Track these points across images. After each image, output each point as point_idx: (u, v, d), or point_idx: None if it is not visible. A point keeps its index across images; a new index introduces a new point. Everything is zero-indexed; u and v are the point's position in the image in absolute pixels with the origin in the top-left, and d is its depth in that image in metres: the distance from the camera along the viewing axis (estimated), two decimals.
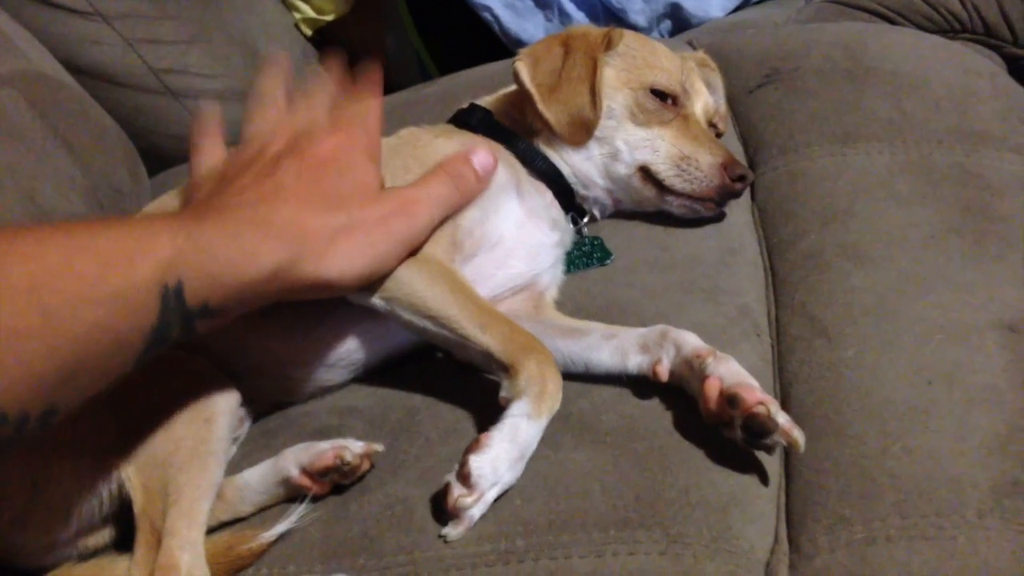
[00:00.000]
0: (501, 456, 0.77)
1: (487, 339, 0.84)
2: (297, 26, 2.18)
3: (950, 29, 1.64)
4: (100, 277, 0.61)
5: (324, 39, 2.20)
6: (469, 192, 0.92)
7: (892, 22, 1.67)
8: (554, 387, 0.82)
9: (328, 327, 0.93)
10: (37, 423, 0.60)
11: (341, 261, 0.77)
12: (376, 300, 0.87)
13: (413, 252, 0.86)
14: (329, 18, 2.14)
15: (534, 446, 0.80)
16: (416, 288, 0.86)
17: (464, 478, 0.75)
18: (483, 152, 0.93)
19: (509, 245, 1.00)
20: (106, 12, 1.71)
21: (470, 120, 1.11)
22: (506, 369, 0.82)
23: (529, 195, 1.04)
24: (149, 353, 0.67)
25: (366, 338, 0.95)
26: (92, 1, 1.70)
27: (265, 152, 0.81)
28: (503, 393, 0.82)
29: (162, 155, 1.75)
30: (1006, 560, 0.69)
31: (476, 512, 0.76)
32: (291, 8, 2.18)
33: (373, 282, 0.84)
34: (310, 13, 2.16)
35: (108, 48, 1.71)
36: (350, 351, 0.95)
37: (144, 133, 1.74)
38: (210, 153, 0.86)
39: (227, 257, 0.70)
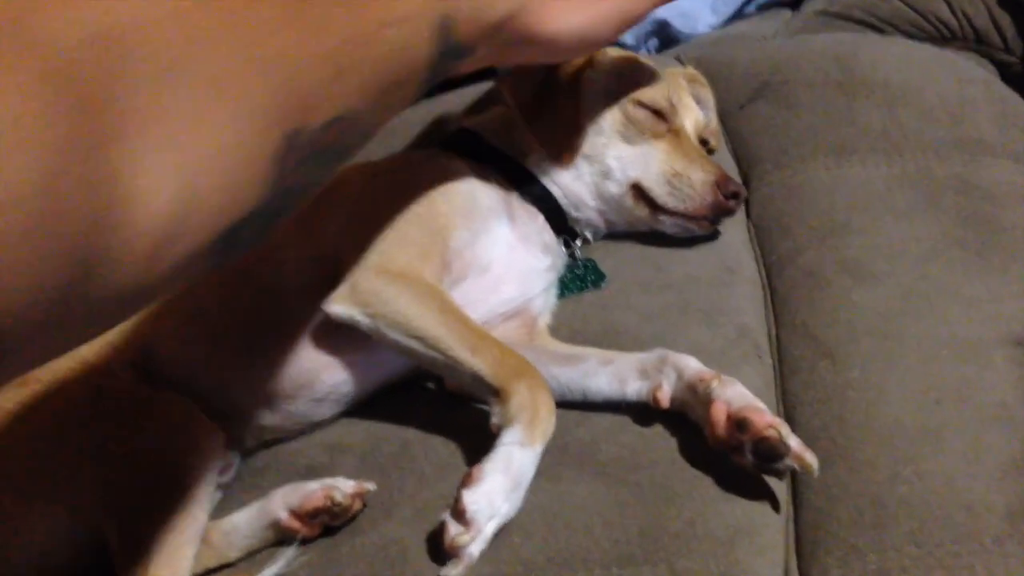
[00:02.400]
0: (496, 488, 0.74)
1: (477, 362, 0.81)
2: None
3: (940, 37, 1.62)
4: (388, 4, 0.60)
5: None
6: None
7: (881, 32, 1.65)
8: (547, 411, 0.79)
9: (314, 359, 0.91)
10: (362, 137, 0.61)
11: (559, 18, 0.78)
12: (360, 317, 0.85)
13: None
14: None
15: (530, 474, 0.77)
16: (402, 306, 0.84)
17: (459, 515, 0.72)
18: None
19: (499, 270, 0.97)
20: None
21: (460, 144, 1.08)
22: (496, 394, 0.80)
23: (521, 219, 1.02)
24: (424, 87, 0.67)
25: (353, 369, 0.92)
26: None
27: None
28: (494, 420, 0.79)
29: None
30: None
31: (475, 549, 0.73)
32: None
33: (588, 44, 0.84)
34: None
35: None
36: (337, 384, 0.92)
37: None
38: None
39: None
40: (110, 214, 0.40)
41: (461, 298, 0.91)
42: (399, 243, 0.90)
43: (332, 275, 0.89)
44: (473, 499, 0.73)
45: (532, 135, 1.03)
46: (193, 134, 0.44)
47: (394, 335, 0.84)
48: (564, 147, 1.04)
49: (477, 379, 0.81)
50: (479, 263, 0.95)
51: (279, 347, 0.89)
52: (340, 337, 0.89)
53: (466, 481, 0.74)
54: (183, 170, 0.43)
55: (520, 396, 0.78)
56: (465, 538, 0.72)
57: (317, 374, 0.91)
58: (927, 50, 1.38)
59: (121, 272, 0.41)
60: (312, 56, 0.53)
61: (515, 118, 1.04)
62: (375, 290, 0.85)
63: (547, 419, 0.79)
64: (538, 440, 0.77)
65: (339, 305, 0.86)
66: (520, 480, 0.76)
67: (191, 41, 0.44)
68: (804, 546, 0.74)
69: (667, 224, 1.05)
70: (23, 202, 0.34)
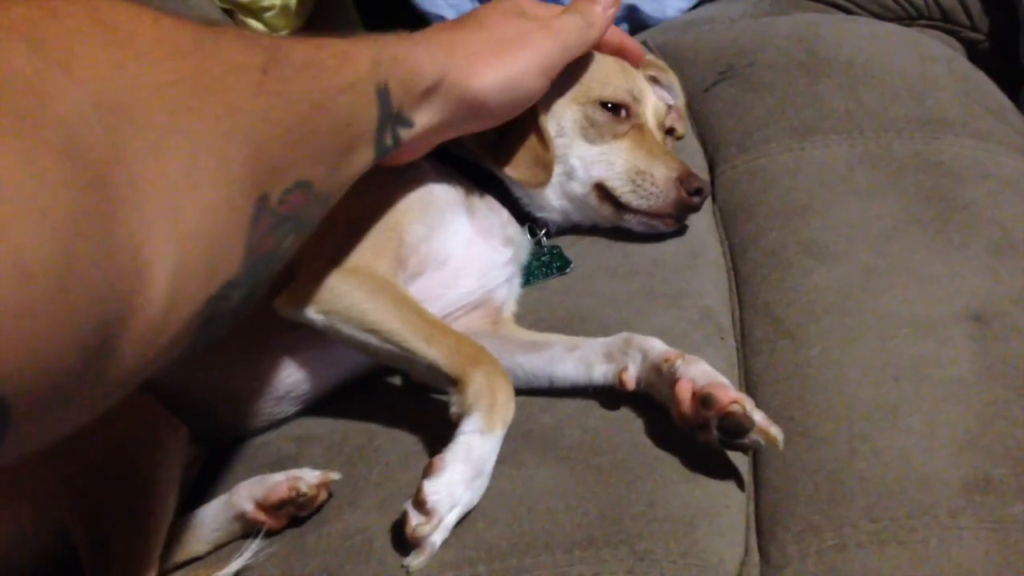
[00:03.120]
0: (456, 478, 0.74)
1: (433, 352, 0.81)
2: None
3: (906, 16, 1.62)
4: (339, 69, 0.65)
5: None
6: (600, 29, 0.98)
7: (848, 12, 1.66)
8: (504, 397, 0.79)
9: (272, 359, 0.91)
10: (323, 205, 0.65)
11: (483, 75, 0.83)
12: (314, 314, 0.84)
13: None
14: (283, 34, 2.11)
15: (491, 461, 0.77)
16: (356, 300, 0.84)
17: (420, 505, 0.73)
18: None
19: (457, 264, 0.97)
20: None
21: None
22: (454, 383, 0.80)
23: (480, 212, 1.01)
24: (376, 159, 0.72)
25: (311, 368, 0.92)
26: None
27: None
28: (453, 409, 0.80)
29: None
30: (979, 560, 0.66)
31: (437, 538, 0.73)
32: (242, 27, 2.15)
33: (517, 99, 0.89)
34: (263, 30, 2.13)
35: None
36: (297, 383, 0.92)
37: None
38: None
39: (408, 66, 0.75)
40: (123, 284, 0.40)
41: (419, 292, 0.92)
42: (352, 239, 0.90)
43: (286, 274, 0.88)
44: (434, 489, 0.73)
45: (504, 170, 1.01)
46: (185, 201, 0.45)
47: (349, 331, 0.84)
48: (538, 172, 1.01)
49: (434, 369, 0.81)
50: (436, 257, 0.95)
51: (235, 347, 0.89)
52: (297, 336, 0.89)
53: (427, 471, 0.74)
54: (177, 238, 0.44)
55: (477, 384, 0.78)
56: (426, 528, 0.72)
57: (275, 373, 0.91)
58: (891, 29, 1.39)
59: (131, 345, 0.42)
60: (278, 124, 0.55)
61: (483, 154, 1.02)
62: (328, 286, 0.85)
63: (505, 405, 0.79)
64: (498, 426, 0.78)
65: (292, 305, 0.86)
66: (481, 468, 0.76)
67: (176, 112, 0.45)
68: (764, 525, 0.74)
69: (632, 222, 1.05)
70: (42, 274, 0.34)
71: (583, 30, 0.95)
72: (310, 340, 0.87)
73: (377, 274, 0.87)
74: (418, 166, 0.99)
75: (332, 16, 2.01)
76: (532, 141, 1.00)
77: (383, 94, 0.70)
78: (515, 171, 1.01)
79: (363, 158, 0.70)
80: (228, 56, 0.52)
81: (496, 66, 0.85)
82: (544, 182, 1.03)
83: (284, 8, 2.06)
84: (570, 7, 0.97)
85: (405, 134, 0.77)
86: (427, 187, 0.97)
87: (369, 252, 0.89)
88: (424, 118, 0.79)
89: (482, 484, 0.76)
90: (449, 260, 0.96)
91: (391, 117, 0.73)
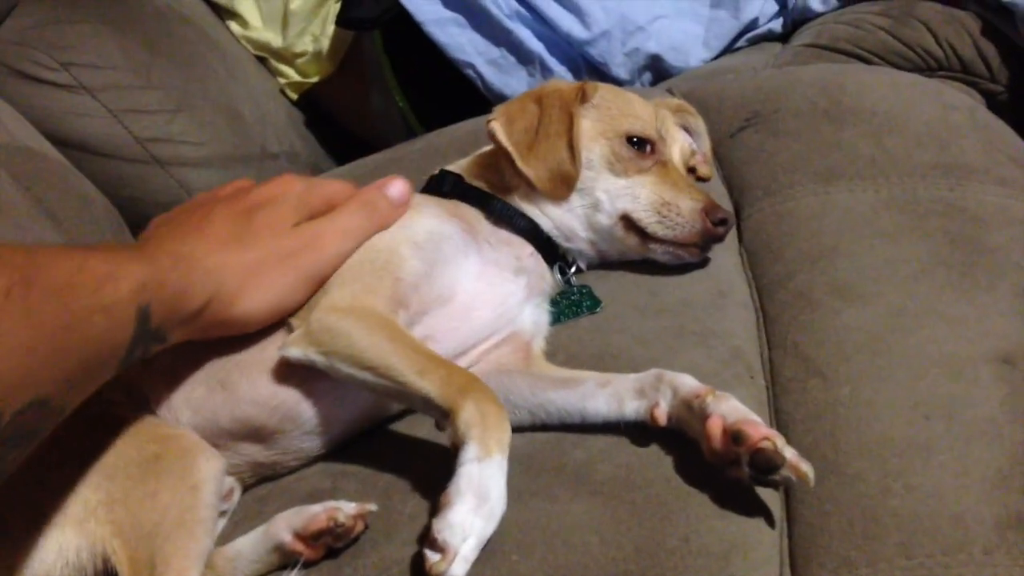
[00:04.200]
0: (463, 510, 0.74)
1: (425, 384, 0.82)
2: (282, 91, 2.20)
3: (927, 67, 1.65)
4: (97, 291, 0.67)
5: (310, 102, 2.22)
6: (383, 220, 0.97)
7: (868, 63, 1.69)
8: (495, 420, 0.79)
9: (292, 394, 0.91)
10: (58, 417, 0.65)
11: (251, 297, 0.86)
12: (315, 355, 0.87)
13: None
14: (314, 80, 2.16)
15: (498, 486, 0.77)
16: (354, 339, 0.85)
17: (432, 544, 0.73)
18: (397, 181, 0.98)
19: (466, 298, 0.98)
20: (90, 85, 1.73)
21: (442, 187, 1.11)
22: (446, 415, 0.80)
23: (489, 245, 1.03)
24: (119, 369, 0.73)
25: (332, 403, 0.93)
26: (75, 74, 1.71)
27: (213, 196, 0.93)
28: (449, 441, 0.80)
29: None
30: None
31: (458, 569, 0.73)
32: (275, 73, 2.20)
33: (282, 312, 0.90)
34: (295, 77, 2.18)
35: (93, 120, 1.72)
36: (323, 417, 0.93)
37: (131, 203, 1.74)
38: None
39: (175, 288, 0.78)
40: None
41: (429, 329, 0.94)
42: (348, 280, 0.92)
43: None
44: (440, 526, 0.73)
45: (526, 172, 1.05)
46: None
47: (348, 369, 0.86)
48: (558, 183, 1.06)
49: (427, 402, 0.82)
50: (440, 293, 0.96)
51: (259, 384, 0.91)
52: (308, 374, 0.90)
53: (437, 509, 0.75)
54: None
55: (467, 412, 0.79)
56: (443, 565, 0.72)
57: (295, 408, 0.92)
58: (913, 79, 1.41)
59: None
60: (17, 346, 0.57)
61: (507, 155, 1.06)
62: (327, 327, 0.87)
63: (498, 427, 0.79)
64: (495, 450, 0.77)
65: (295, 348, 0.88)
66: (486, 494, 0.76)
67: None
68: (798, 560, 0.75)
69: (658, 252, 1.08)
70: None
71: (363, 228, 0.95)
72: (328, 381, 0.89)
73: (375, 312, 0.88)
74: (419, 203, 1.02)
75: (364, 61, 2.05)
76: (562, 153, 1.04)
77: (143, 315, 0.72)
78: (537, 179, 1.05)
79: (108, 372, 0.72)
80: None
81: (262, 291, 0.87)
82: (563, 197, 1.07)
83: (316, 55, 2.11)
84: (357, 200, 0.97)
85: (156, 348, 0.78)
86: (426, 223, 0.99)
87: (365, 292, 0.90)
88: (180, 334, 0.82)
89: (493, 509, 0.76)
90: (456, 295, 0.98)
91: (148, 335, 0.74)
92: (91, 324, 0.65)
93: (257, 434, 0.92)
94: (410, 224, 0.99)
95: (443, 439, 0.91)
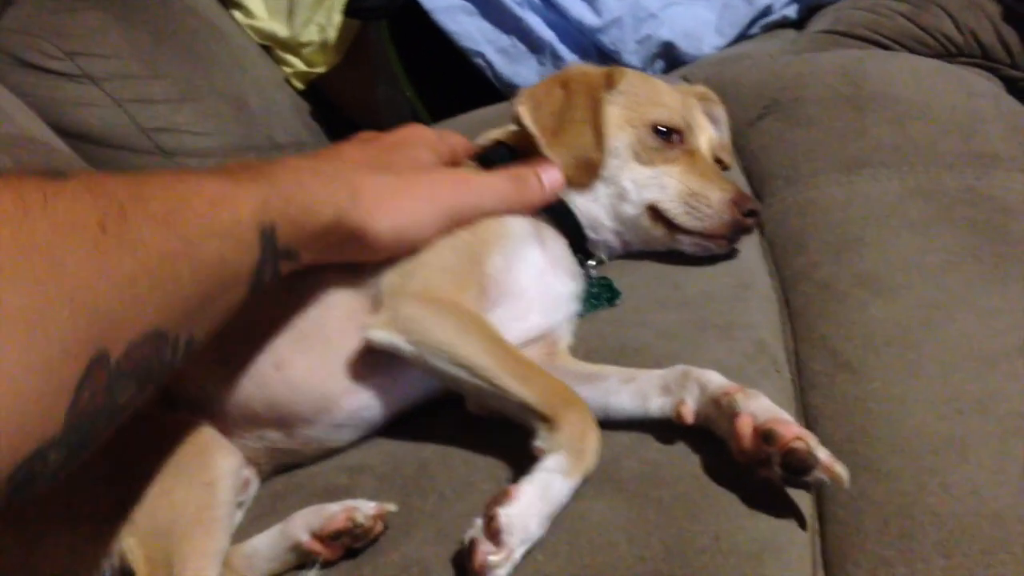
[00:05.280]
0: (531, 511, 0.72)
1: (525, 391, 0.80)
2: (288, 80, 2.18)
3: (947, 53, 1.63)
4: (213, 215, 0.65)
5: (315, 92, 2.20)
6: (530, 198, 0.97)
7: (887, 49, 1.67)
8: (593, 447, 0.78)
9: (334, 384, 0.90)
10: (184, 350, 0.63)
11: (384, 216, 0.83)
12: (403, 344, 0.85)
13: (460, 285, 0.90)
14: (320, 70, 2.14)
15: (563, 506, 0.75)
16: (446, 334, 0.84)
17: (493, 533, 0.70)
18: (554, 169, 0.98)
19: (530, 296, 0.96)
20: (95, 74, 1.71)
21: (496, 158, 1.08)
22: (546, 420, 0.78)
23: (550, 243, 1.02)
24: (252, 292, 0.71)
25: (374, 396, 0.91)
26: (81, 64, 1.70)
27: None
28: (539, 443, 0.78)
29: None
30: None
31: (503, 572, 0.70)
32: (281, 63, 2.18)
33: (407, 243, 0.88)
34: (301, 67, 2.16)
35: (98, 110, 1.71)
36: (358, 409, 0.91)
37: None
38: None
39: (302, 204, 0.75)
40: None
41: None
42: (437, 269, 0.90)
43: (370, 301, 0.90)
44: (508, 518, 0.70)
45: (551, 157, 1.03)
46: None
47: (437, 363, 0.84)
48: (583, 170, 1.04)
49: (525, 407, 0.80)
50: (514, 289, 0.95)
51: (299, 370, 0.89)
52: (363, 363, 0.88)
53: (501, 499, 0.72)
54: None
55: (572, 427, 0.77)
56: (496, 559, 0.69)
57: (337, 399, 0.90)
58: (935, 64, 1.39)
59: None
60: (119, 279, 0.55)
61: (532, 139, 1.04)
62: (417, 317, 0.85)
63: (592, 455, 0.77)
64: (579, 473, 0.76)
65: (381, 331, 0.86)
66: (554, 509, 0.74)
67: None
68: (831, 559, 0.73)
69: (685, 243, 1.06)
70: None
71: (508, 195, 0.95)
72: (377, 368, 0.87)
73: (464, 306, 0.87)
74: None
75: (370, 51, 2.03)
76: (587, 139, 1.02)
77: (267, 235, 0.70)
78: (562, 165, 1.02)
79: (235, 296, 0.70)
80: (61, 216, 0.52)
81: (394, 212, 0.85)
82: (587, 184, 1.05)
83: (322, 45, 2.09)
84: (510, 171, 0.98)
85: (288, 267, 0.76)
86: (504, 217, 0.97)
87: (453, 283, 0.89)
88: (312, 253, 0.79)
89: (547, 527, 0.74)
90: (524, 292, 0.96)
91: (276, 254, 0.73)
92: (205, 250, 0.63)
93: (286, 421, 0.90)
94: (488, 215, 0.97)
95: (463, 435, 0.89)
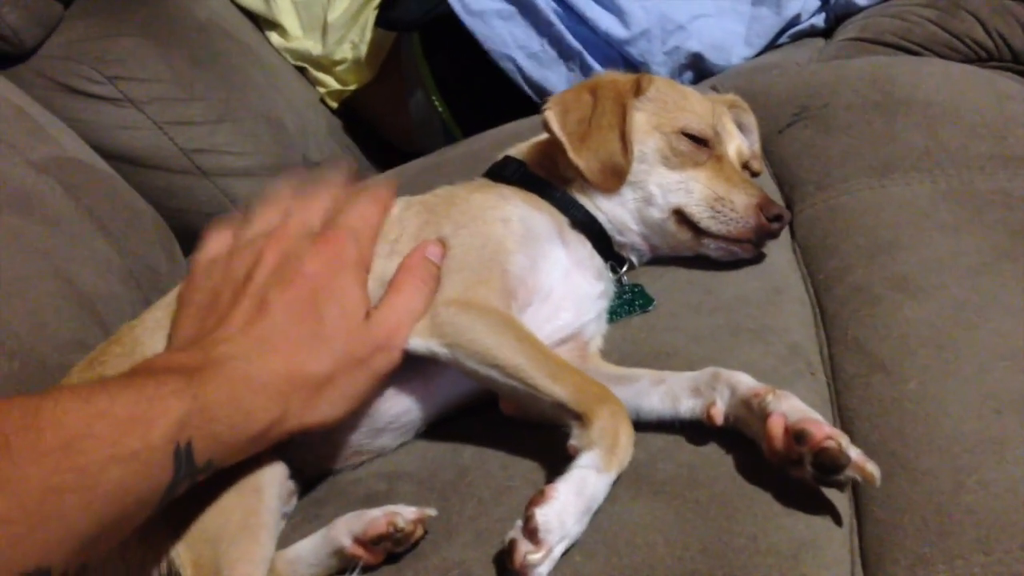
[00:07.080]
0: (568, 508, 0.73)
1: (558, 389, 0.82)
2: (322, 100, 2.21)
3: (977, 58, 1.62)
4: (118, 441, 0.64)
5: (349, 111, 2.23)
6: (436, 285, 0.93)
7: (915, 55, 1.66)
8: (626, 441, 0.79)
9: (375, 389, 0.91)
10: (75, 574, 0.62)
11: (324, 408, 0.83)
12: (438, 347, 0.87)
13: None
14: (353, 88, 2.17)
15: (600, 502, 0.77)
16: (480, 335, 0.86)
17: (531, 533, 0.71)
18: (432, 244, 0.95)
19: (558, 296, 0.98)
20: (136, 98, 1.75)
21: (504, 172, 1.10)
22: (579, 418, 0.80)
23: (573, 244, 1.03)
24: (160, 505, 0.70)
25: (414, 400, 0.93)
26: (122, 88, 1.74)
27: (253, 277, 0.86)
28: (573, 442, 0.79)
29: (196, 234, 1.75)
30: None
31: (544, 570, 0.72)
32: (316, 83, 2.22)
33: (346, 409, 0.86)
34: (334, 85, 2.19)
35: (139, 132, 1.75)
36: (398, 414, 0.93)
37: (177, 213, 1.76)
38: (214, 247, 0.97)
39: (228, 419, 0.74)
40: None
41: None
42: (465, 274, 0.92)
43: None
44: (545, 517, 0.72)
45: (577, 162, 1.05)
46: None
47: (472, 364, 0.86)
48: (609, 175, 1.05)
49: (559, 406, 0.82)
50: (541, 289, 0.97)
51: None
52: (402, 367, 0.90)
53: (537, 499, 0.73)
54: None
55: (604, 422, 0.78)
56: (536, 556, 0.71)
57: (378, 404, 0.92)
58: (965, 69, 1.39)
59: None
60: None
61: (560, 145, 1.06)
62: (450, 320, 0.87)
63: (626, 448, 0.79)
64: (614, 468, 0.77)
65: (417, 339, 0.88)
66: (591, 505, 0.75)
67: None
68: (870, 558, 0.73)
69: (711, 248, 1.07)
70: None
71: (428, 301, 0.91)
72: (415, 372, 0.88)
73: (494, 307, 0.88)
74: (510, 197, 1.01)
75: (402, 67, 2.06)
76: (614, 145, 1.04)
77: (182, 455, 0.69)
78: (588, 170, 1.04)
79: (140, 517, 0.68)
80: None
81: (336, 397, 0.84)
82: (613, 189, 1.06)
83: (355, 62, 2.12)
84: (410, 274, 0.93)
85: (204, 475, 0.75)
86: (524, 217, 1.00)
87: (477, 283, 0.91)
88: (237, 456, 0.78)
89: (586, 522, 0.75)
90: (552, 292, 0.98)
91: (193, 471, 0.71)
92: (105, 479, 0.62)
93: (328, 431, 0.91)
94: (506, 216, 0.99)
95: (500, 440, 0.91)
